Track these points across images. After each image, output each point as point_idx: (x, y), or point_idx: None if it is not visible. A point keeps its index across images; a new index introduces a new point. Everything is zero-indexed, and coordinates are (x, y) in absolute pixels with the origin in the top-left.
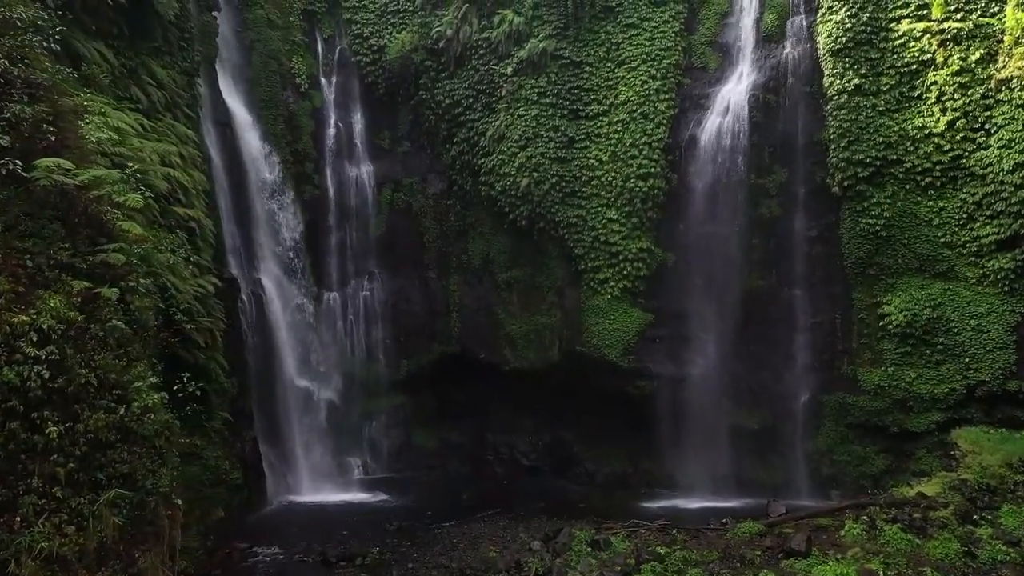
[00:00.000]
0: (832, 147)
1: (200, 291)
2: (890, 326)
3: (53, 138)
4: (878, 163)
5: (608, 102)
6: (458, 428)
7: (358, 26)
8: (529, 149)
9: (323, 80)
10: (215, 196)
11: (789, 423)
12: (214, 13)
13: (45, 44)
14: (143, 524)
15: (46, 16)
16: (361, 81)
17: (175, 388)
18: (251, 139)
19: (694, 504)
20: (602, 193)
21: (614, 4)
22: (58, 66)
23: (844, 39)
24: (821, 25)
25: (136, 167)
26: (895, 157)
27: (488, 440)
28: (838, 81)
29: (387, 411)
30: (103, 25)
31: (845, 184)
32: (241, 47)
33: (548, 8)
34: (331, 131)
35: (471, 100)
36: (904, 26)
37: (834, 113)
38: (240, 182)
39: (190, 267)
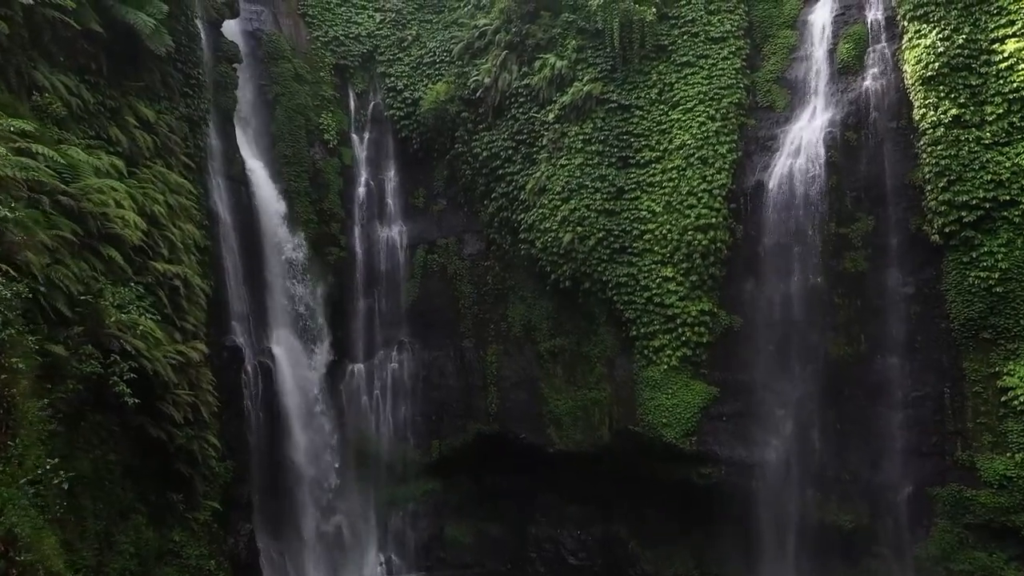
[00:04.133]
0: (929, 188)
1: (178, 359)
2: (1015, 402)
3: None
4: (987, 205)
5: (661, 147)
6: (497, 519)
7: (392, 79)
8: (573, 201)
9: (354, 136)
10: (220, 256)
11: (890, 521)
12: (234, 65)
13: None
14: None
15: None
16: (395, 136)
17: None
18: (269, 197)
19: None
20: (656, 248)
21: (666, 43)
22: None
23: (937, 65)
24: (907, 52)
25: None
26: (1008, 197)
27: (531, 534)
28: (932, 113)
29: (416, 499)
30: (78, 59)
31: (947, 231)
32: (264, 101)
33: (593, 50)
34: (361, 189)
35: (510, 151)
36: (1011, 46)
37: (929, 149)
38: (253, 242)
39: (165, 329)
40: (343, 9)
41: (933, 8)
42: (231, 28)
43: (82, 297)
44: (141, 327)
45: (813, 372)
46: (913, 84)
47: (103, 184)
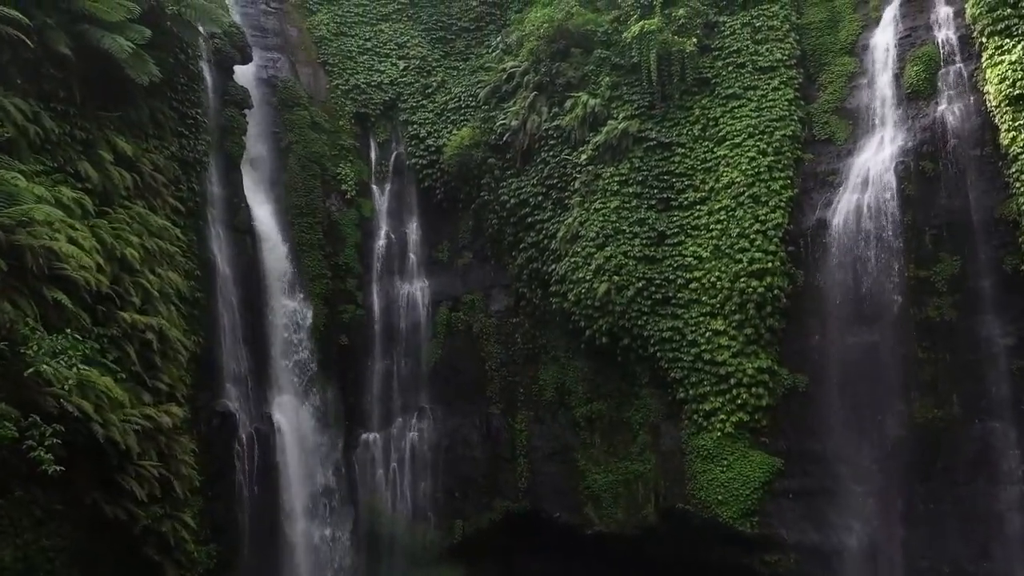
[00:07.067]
0: None
1: (144, 424)
2: None
3: None
4: None
5: (707, 187)
6: None
7: (415, 127)
8: (608, 248)
9: (375, 187)
10: (215, 310)
11: None
12: (244, 111)
13: None
14: None
15: None
16: (417, 187)
17: None
18: (276, 249)
19: None
20: (704, 298)
21: (709, 75)
22: None
23: None
24: (988, 70)
25: None
26: None
27: None
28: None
29: None
30: (42, 84)
31: None
32: (276, 149)
33: (629, 87)
34: (381, 243)
35: (540, 198)
36: None
37: (1023, 178)
38: (256, 297)
39: (132, 389)
40: (365, 58)
41: (1016, 20)
42: (246, 74)
43: None
44: (71, 381)
45: (897, 440)
46: (998, 105)
47: (52, 216)
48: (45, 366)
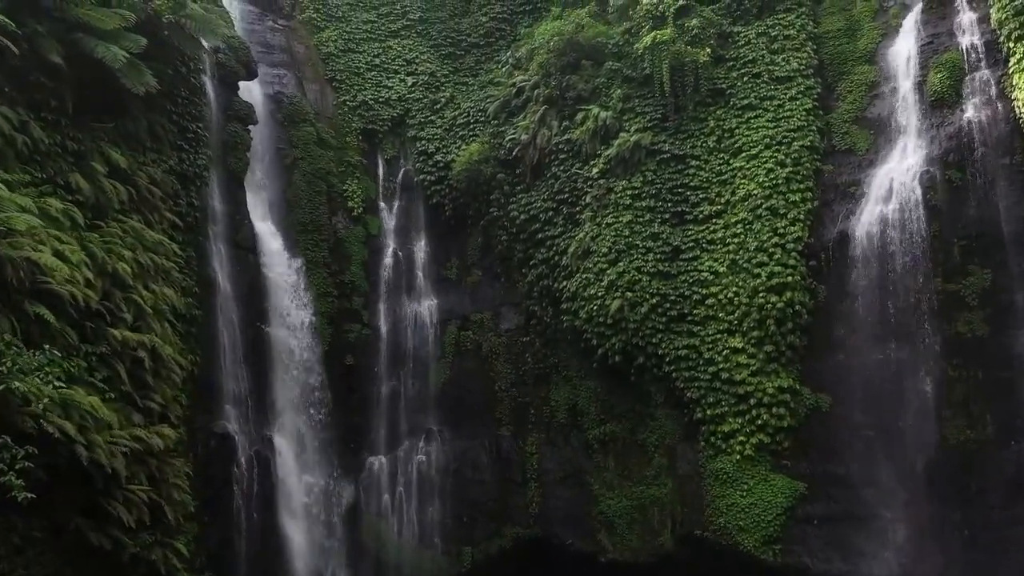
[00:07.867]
0: None
1: (133, 446)
2: None
3: None
4: None
5: (723, 200)
6: None
7: (423, 142)
8: (621, 263)
9: (382, 204)
10: (215, 328)
11: None
12: (248, 126)
13: None
14: None
15: None
16: (426, 203)
17: None
18: (279, 267)
19: None
20: (721, 315)
21: (724, 86)
22: None
23: None
24: (1016, 75)
25: None
26: None
27: None
28: None
29: None
30: (33, 93)
31: None
32: (281, 165)
33: (641, 99)
34: (388, 260)
35: (551, 213)
36: None
37: None
38: (259, 316)
39: (122, 409)
40: (373, 74)
41: None
42: (252, 90)
43: None
44: (48, 398)
45: (927, 463)
46: None
47: (34, 227)
48: (18, 383)
